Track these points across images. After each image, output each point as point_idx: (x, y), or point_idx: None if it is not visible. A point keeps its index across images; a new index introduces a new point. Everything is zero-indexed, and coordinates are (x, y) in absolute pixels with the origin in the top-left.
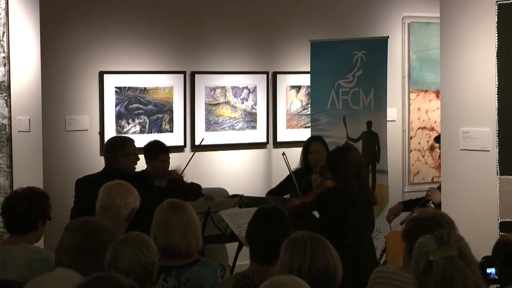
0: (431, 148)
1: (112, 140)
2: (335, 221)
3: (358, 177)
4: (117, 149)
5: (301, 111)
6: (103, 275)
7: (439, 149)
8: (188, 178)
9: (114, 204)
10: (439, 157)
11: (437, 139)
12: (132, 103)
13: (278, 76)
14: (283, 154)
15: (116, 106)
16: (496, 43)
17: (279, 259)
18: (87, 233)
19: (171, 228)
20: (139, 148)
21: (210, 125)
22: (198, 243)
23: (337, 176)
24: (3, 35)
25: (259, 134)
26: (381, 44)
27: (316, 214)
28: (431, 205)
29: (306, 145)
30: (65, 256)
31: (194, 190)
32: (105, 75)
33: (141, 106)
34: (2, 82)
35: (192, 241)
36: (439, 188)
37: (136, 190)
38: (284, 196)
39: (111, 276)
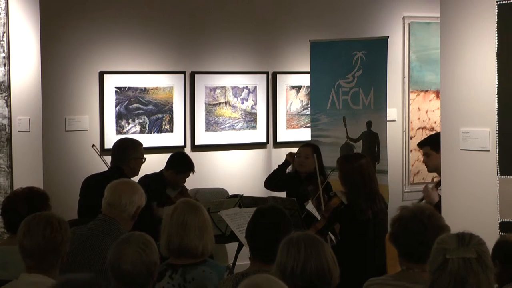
0: None
1: (124, 141)
2: (353, 241)
3: (366, 188)
4: (129, 152)
5: (301, 111)
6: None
7: (423, 155)
8: (188, 178)
9: (120, 202)
10: (423, 161)
11: (421, 144)
12: (132, 103)
13: (278, 76)
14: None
15: (116, 106)
16: (496, 43)
17: (276, 259)
18: (47, 230)
19: (189, 229)
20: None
21: (210, 125)
22: (212, 244)
23: (346, 189)
24: (3, 35)
25: (259, 134)
26: (381, 44)
27: None
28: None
29: (298, 149)
30: (30, 259)
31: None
32: (105, 75)
33: (141, 106)
34: (2, 82)
35: (207, 242)
36: (437, 185)
37: (142, 189)
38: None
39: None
